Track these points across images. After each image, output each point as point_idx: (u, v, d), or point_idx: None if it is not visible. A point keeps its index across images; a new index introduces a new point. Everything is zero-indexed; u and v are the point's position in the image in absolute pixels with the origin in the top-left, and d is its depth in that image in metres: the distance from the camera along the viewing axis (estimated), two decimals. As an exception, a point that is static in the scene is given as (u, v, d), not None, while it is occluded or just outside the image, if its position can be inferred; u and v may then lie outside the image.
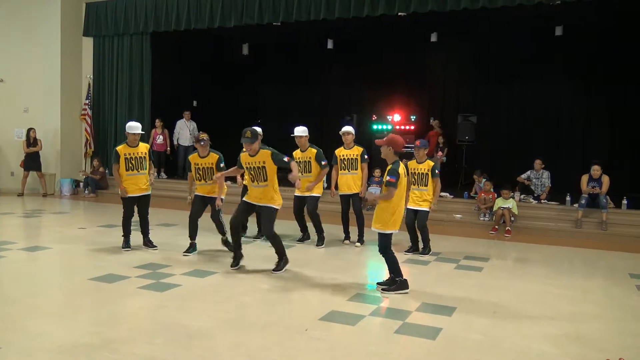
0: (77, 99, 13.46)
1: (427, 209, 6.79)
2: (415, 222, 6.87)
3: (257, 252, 6.85)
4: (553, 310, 4.77)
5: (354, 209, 7.49)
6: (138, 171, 6.67)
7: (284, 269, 5.81)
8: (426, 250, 6.97)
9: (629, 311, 4.89)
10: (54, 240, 7.25)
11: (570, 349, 3.86)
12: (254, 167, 5.71)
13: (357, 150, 7.39)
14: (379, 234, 5.11)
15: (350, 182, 7.37)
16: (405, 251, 7.03)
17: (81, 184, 12.89)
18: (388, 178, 4.97)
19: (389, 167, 5.04)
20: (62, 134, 13.04)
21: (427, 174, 6.74)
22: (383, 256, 5.17)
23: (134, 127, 6.66)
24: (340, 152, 7.48)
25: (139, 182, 6.69)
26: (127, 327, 4.05)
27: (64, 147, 13.09)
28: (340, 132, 7.51)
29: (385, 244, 5.11)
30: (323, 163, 7.23)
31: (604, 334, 4.21)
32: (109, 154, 13.07)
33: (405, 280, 5.13)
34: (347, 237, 7.64)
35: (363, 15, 10.18)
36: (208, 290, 5.08)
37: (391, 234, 5.11)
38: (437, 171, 6.81)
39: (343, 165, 7.42)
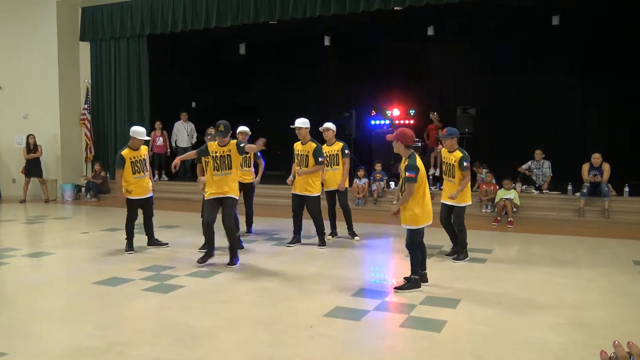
0: (75, 103, 13.47)
1: (462, 205, 6.25)
2: (452, 220, 6.39)
3: (260, 251, 6.86)
4: (557, 299, 4.77)
5: (340, 205, 7.47)
6: (143, 173, 6.77)
7: (237, 264, 6.00)
8: (460, 255, 6.28)
9: (633, 298, 4.89)
10: (57, 246, 7.26)
11: (575, 337, 3.86)
12: (220, 156, 5.93)
13: (337, 146, 7.38)
14: (409, 229, 5.03)
15: (333, 177, 7.36)
16: (447, 254, 6.51)
17: (83, 189, 12.91)
18: (407, 174, 4.87)
19: (406, 163, 4.94)
20: (62, 140, 13.05)
21: (454, 165, 6.22)
22: (408, 251, 5.09)
23: (141, 132, 6.75)
24: (323, 148, 7.40)
25: (144, 184, 6.78)
26: (132, 329, 4.06)
27: (64, 152, 13.11)
28: (320, 129, 7.46)
29: (413, 239, 5.03)
30: (320, 159, 7.04)
31: (608, 321, 4.21)
32: (109, 158, 13.09)
33: (419, 279, 5.06)
34: (334, 232, 7.64)
35: (359, 11, 10.16)
36: (212, 290, 5.09)
37: (421, 228, 5.03)
38: (465, 163, 6.14)
39: (326, 161, 7.36)
